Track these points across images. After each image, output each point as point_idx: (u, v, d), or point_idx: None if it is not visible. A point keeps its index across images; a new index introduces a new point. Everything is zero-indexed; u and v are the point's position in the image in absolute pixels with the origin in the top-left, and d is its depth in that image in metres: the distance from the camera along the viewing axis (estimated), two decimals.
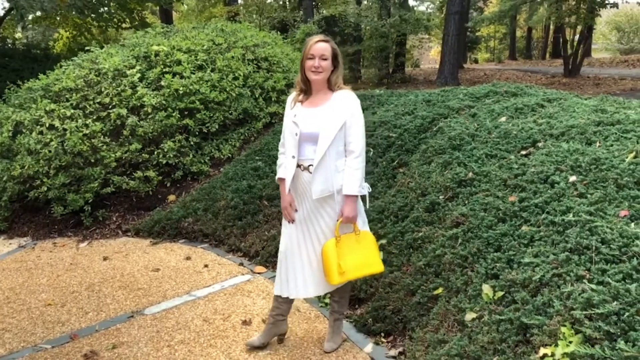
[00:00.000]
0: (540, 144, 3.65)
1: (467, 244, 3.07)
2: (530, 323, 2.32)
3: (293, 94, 2.94)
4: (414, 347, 2.81)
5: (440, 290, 3.01)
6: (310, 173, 2.78)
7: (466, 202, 3.44)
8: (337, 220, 2.81)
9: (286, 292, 2.96)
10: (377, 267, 2.91)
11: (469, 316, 2.65)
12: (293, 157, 2.83)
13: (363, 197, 2.90)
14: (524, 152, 3.64)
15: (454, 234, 3.21)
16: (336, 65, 2.81)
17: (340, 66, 2.83)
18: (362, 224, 2.93)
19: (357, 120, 2.78)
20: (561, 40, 18.44)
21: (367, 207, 2.98)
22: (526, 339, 2.32)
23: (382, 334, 3.16)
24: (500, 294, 2.61)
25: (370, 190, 2.93)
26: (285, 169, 2.90)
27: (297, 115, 2.84)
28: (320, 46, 2.76)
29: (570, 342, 2.09)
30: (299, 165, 2.84)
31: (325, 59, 2.76)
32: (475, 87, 5.56)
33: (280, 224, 3.08)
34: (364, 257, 2.85)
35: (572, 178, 3.04)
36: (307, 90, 2.87)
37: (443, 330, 2.74)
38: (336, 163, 2.78)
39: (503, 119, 4.32)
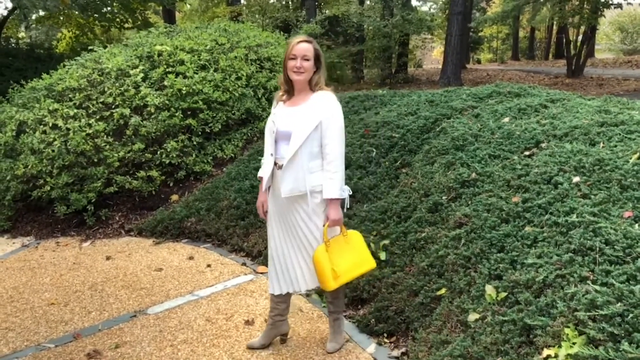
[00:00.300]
0: (543, 145, 3.64)
1: (470, 245, 3.06)
2: (533, 324, 2.31)
3: (279, 93, 2.96)
4: (417, 347, 2.81)
5: (443, 290, 3.00)
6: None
7: (469, 202, 3.44)
8: (324, 226, 2.79)
9: (278, 289, 2.97)
10: (369, 264, 2.92)
11: (472, 317, 2.64)
12: (271, 155, 2.85)
13: (343, 200, 2.87)
14: (527, 153, 3.63)
15: (457, 234, 3.21)
16: (318, 66, 2.81)
17: (322, 67, 2.82)
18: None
19: (334, 122, 2.74)
20: (564, 40, 18.40)
21: (346, 209, 2.98)
22: (529, 340, 2.31)
23: (385, 335, 3.16)
24: (503, 294, 2.60)
25: (351, 193, 2.90)
26: (263, 166, 2.92)
27: (276, 114, 2.87)
28: (303, 46, 2.75)
29: (574, 344, 2.08)
30: (275, 164, 2.85)
31: (308, 60, 2.75)
32: (479, 88, 5.55)
33: None
34: (355, 257, 2.85)
35: (576, 179, 3.04)
36: (289, 90, 2.87)
37: (446, 331, 2.73)
38: (309, 164, 2.75)
39: (506, 119, 4.32)
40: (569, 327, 2.16)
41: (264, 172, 2.90)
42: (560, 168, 3.20)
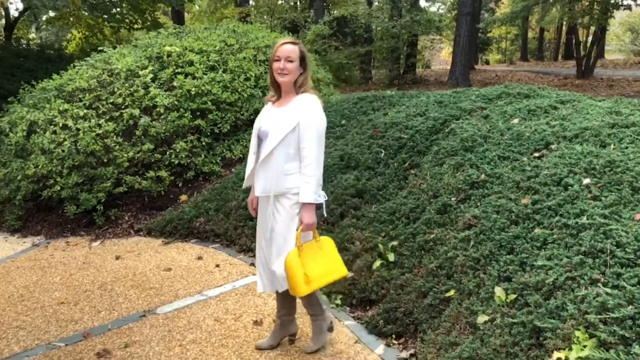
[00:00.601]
0: (553, 146, 3.63)
1: (480, 246, 3.05)
2: (543, 326, 2.30)
3: (270, 94, 2.98)
4: (426, 349, 2.80)
5: (452, 292, 3.00)
6: None
7: (478, 204, 3.43)
8: (297, 230, 2.75)
9: (261, 287, 2.96)
10: (341, 271, 2.89)
11: (481, 319, 2.63)
12: (254, 153, 2.87)
13: (320, 205, 2.83)
14: (536, 154, 3.62)
15: (466, 236, 3.20)
16: (305, 67, 2.79)
17: (308, 69, 2.81)
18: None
19: (312, 126, 2.70)
20: (574, 41, 18.30)
21: (325, 214, 2.97)
22: (539, 342, 2.30)
23: (394, 336, 3.15)
24: (512, 296, 2.59)
25: (327, 198, 2.86)
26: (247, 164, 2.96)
27: (263, 114, 2.90)
28: (287, 48, 2.74)
29: (585, 346, 2.07)
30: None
31: (292, 61, 2.73)
32: (488, 89, 5.53)
33: None
34: (328, 264, 2.82)
35: (586, 180, 3.02)
36: (276, 91, 2.89)
37: (455, 333, 2.73)
38: (285, 166, 2.73)
39: (515, 120, 4.30)
40: (579, 329, 2.15)
41: (247, 170, 2.93)
42: (571, 170, 3.18)
